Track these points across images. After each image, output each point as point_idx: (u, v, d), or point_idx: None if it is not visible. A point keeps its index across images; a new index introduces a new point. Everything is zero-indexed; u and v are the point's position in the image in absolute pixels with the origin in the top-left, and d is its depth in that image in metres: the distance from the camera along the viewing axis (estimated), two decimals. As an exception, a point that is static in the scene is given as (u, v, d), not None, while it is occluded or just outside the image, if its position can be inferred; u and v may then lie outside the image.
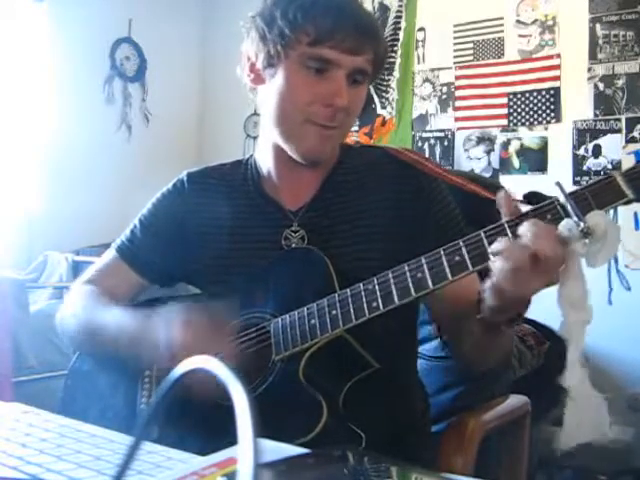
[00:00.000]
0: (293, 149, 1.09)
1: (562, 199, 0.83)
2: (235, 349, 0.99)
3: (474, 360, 1.10)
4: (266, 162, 1.17)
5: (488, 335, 0.95)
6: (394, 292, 0.92)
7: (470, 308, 0.95)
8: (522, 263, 0.81)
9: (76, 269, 3.29)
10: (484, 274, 0.88)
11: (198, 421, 0.99)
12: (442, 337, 1.18)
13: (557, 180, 0.85)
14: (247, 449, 0.35)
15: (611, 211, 0.84)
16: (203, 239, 1.16)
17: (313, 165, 1.12)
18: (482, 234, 0.87)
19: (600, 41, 3.13)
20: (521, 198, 0.91)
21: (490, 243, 0.86)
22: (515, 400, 1.34)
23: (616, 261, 2.94)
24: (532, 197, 0.89)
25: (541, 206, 0.85)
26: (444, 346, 1.31)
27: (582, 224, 0.81)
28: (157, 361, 1.00)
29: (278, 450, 0.56)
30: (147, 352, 0.99)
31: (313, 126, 1.05)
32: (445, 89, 3.57)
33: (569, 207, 0.82)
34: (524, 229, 0.83)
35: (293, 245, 1.11)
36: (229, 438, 0.43)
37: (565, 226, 0.82)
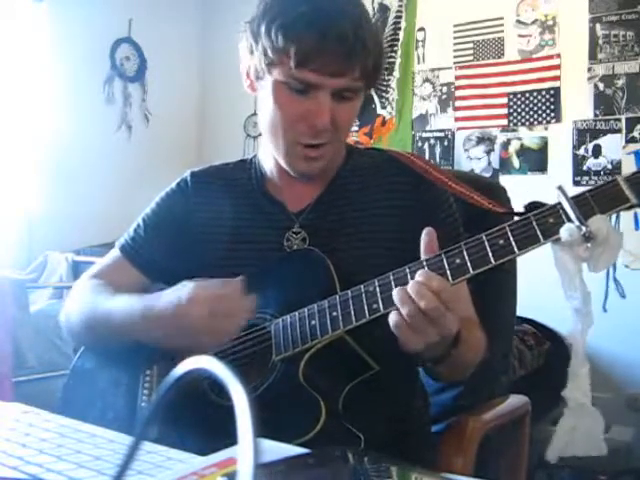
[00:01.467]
0: (285, 166, 1.10)
1: (564, 203, 0.83)
2: (248, 304, 0.98)
3: (437, 376, 1.10)
4: (268, 164, 1.17)
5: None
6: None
7: None
8: (409, 316, 0.85)
9: (76, 269, 3.29)
10: None
11: (198, 421, 0.99)
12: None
13: (558, 182, 0.85)
14: (247, 449, 0.35)
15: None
16: (206, 238, 1.16)
17: (308, 180, 1.12)
18: (484, 237, 0.87)
19: (600, 41, 3.13)
20: (522, 210, 0.89)
21: (492, 246, 0.86)
22: (515, 400, 1.34)
23: (614, 269, 2.92)
24: (533, 207, 0.88)
25: (543, 210, 0.85)
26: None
27: (584, 228, 0.80)
28: (172, 323, 0.99)
29: (278, 450, 0.56)
30: (161, 315, 1.00)
31: (301, 147, 1.05)
32: (445, 89, 3.57)
33: (571, 211, 0.82)
34: (412, 282, 0.86)
35: (295, 247, 1.11)
36: (229, 438, 0.43)
37: (567, 230, 0.81)
